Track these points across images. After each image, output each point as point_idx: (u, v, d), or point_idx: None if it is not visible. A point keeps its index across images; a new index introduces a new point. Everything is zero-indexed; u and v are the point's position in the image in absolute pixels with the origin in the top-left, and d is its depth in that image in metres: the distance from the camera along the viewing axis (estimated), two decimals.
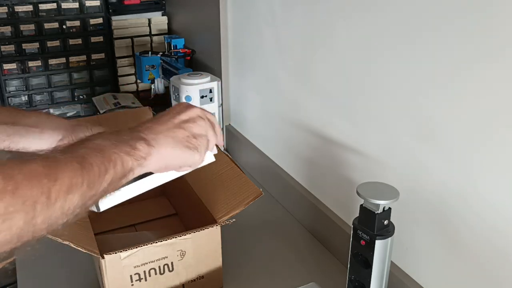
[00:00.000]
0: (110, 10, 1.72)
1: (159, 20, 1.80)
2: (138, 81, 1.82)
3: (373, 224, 0.71)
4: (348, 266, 0.78)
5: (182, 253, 0.83)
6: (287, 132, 1.13)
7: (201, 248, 0.84)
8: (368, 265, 0.74)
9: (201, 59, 1.52)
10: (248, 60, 1.26)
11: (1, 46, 1.60)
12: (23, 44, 1.63)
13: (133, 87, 1.83)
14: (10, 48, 1.62)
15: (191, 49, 1.54)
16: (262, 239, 1.05)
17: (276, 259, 0.99)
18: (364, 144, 0.88)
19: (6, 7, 1.57)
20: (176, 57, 1.52)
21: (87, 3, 1.67)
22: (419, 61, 0.72)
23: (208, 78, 1.27)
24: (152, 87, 1.63)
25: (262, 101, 1.23)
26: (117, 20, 1.74)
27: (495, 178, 0.64)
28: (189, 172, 0.99)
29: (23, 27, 1.61)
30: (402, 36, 0.74)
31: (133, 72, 1.81)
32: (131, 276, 0.80)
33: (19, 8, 1.59)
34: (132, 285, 0.80)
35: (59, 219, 0.47)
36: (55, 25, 1.65)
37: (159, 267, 0.82)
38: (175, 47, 1.60)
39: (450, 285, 0.75)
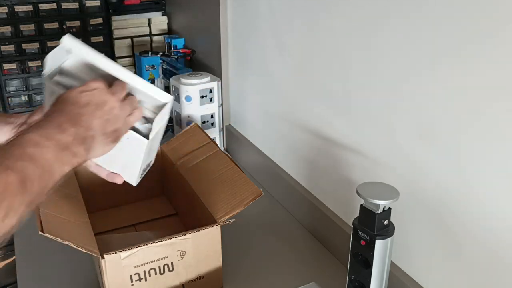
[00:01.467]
0: (110, 10, 1.72)
1: (159, 20, 1.80)
2: None
3: (373, 224, 0.71)
4: (348, 266, 0.78)
5: (182, 253, 0.83)
6: (287, 132, 1.13)
7: (201, 248, 0.85)
8: (368, 265, 0.74)
9: (201, 59, 1.52)
10: (248, 60, 1.26)
11: (1, 46, 1.60)
12: (23, 44, 1.63)
13: None
14: (10, 48, 1.62)
15: (191, 49, 1.54)
16: (262, 239, 1.05)
17: (276, 259, 0.99)
18: (364, 144, 0.88)
19: (6, 7, 1.57)
20: (176, 57, 1.52)
21: (87, 3, 1.67)
22: (419, 62, 0.72)
23: (208, 78, 1.27)
24: None
25: (262, 101, 1.23)
26: (117, 20, 1.74)
27: (495, 178, 0.64)
28: (189, 172, 0.98)
29: (23, 27, 1.61)
30: (402, 37, 0.74)
31: (133, 72, 1.80)
32: (131, 276, 0.80)
33: (19, 8, 1.59)
34: (132, 285, 0.81)
35: None
36: (55, 25, 1.65)
37: (159, 267, 0.82)
38: (175, 47, 1.60)
39: (450, 285, 0.75)
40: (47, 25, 1.64)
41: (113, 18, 1.73)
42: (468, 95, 0.65)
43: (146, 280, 0.82)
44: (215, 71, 1.39)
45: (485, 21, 0.61)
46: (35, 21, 1.62)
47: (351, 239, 0.76)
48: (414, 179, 0.77)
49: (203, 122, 1.29)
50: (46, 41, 1.65)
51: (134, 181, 0.74)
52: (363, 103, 0.86)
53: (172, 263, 0.83)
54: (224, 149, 1.43)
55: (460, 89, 0.66)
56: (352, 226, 0.75)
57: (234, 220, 0.85)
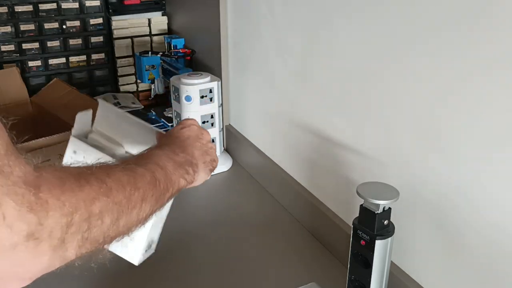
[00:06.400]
0: (110, 10, 1.72)
1: (159, 20, 1.80)
2: (138, 81, 1.82)
3: (373, 224, 0.71)
4: (348, 266, 0.78)
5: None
6: (287, 132, 1.13)
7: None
8: (368, 265, 0.74)
9: (201, 59, 1.52)
10: (248, 60, 1.26)
11: (1, 46, 1.60)
12: (23, 44, 1.63)
13: (133, 87, 1.83)
14: (10, 48, 1.62)
15: (191, 49, 1.54)
16: (262, 239, 1.05)
17: (276, 259, 0.99)
18: (364, 144, 0.88)
19: (6, 7, 1.57)
20: (176, 57, 1.52)
21: (87, 3, 1.67)
22: (418, 61, 0.72)
23: (208, 78, 1.27)
24: (152, 87, 1.62)
25: (262, 101, 1.23)
26: (117, 20, 1.74)
27: (494, 178, 0.64)
28: (56, 109, 1.41)
29: (23, 27, 1.61)
30: (402, 36, 0.74)
31: (133, 72, 1.80)
32: None
33: (19, 8, 1.59)
34: None
35: (134, 225, 0.52)
36: (55, 25, 1.65)
37: None
38: (175, 47, 1.60)
39: (450, 285, 0.75)
40: (47, 25, 1.64)
41: (113, 18, 1.73)
42: (468, 94, 0.65)
43: None
44: (215, 71, 1.39)
45: (490, 27, 0.61)
46: (35, 21, 1.62)
47: (351, 239, 0.76)
48: (414, 179, 0.77)
49: (203, 122, 1.29)
50: (46, 41, 1.65)
51: (136, 258, 0.66)
52: (363, 103, 0.86)
53: None
54: (224, 149, 1.43)
55: (459, 88, 0.66)
56: (352, 226, 0.75)
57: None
